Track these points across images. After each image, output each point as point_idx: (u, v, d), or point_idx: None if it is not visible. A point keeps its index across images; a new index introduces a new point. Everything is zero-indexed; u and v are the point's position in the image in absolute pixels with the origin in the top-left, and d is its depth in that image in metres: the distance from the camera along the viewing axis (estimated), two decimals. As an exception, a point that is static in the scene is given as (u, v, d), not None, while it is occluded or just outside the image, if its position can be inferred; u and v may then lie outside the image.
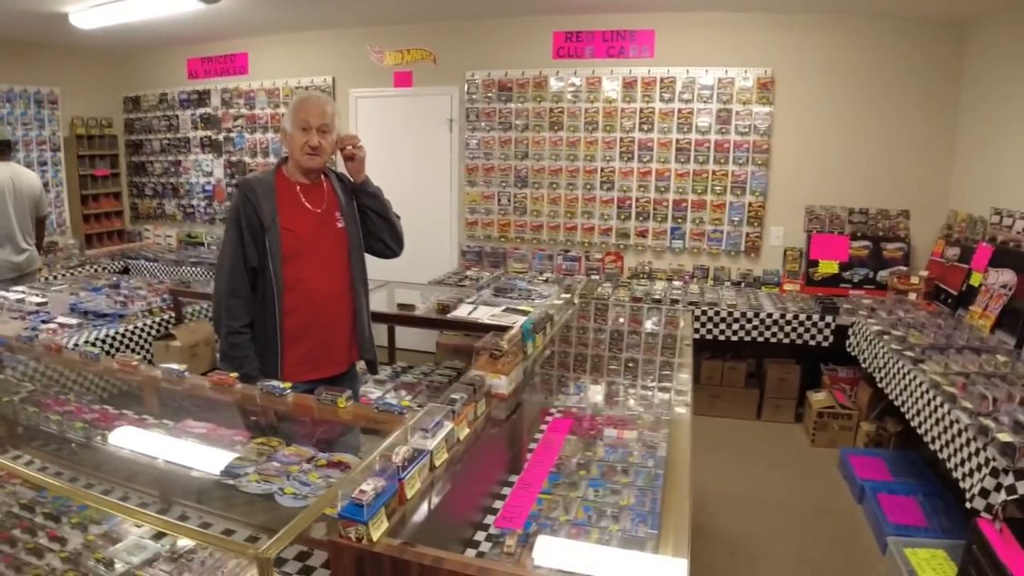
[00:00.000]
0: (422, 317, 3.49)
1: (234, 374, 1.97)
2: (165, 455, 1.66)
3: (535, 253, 5.35)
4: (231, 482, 1.52)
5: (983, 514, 2.08)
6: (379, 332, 3.67)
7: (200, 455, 1.66)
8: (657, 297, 4.36)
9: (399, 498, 1.22)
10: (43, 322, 3.26)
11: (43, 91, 5.97)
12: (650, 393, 2.46)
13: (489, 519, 1.64)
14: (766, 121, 4.70)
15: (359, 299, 2.39)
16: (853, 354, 3.91)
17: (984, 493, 2.07)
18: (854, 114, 4.62)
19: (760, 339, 4.16)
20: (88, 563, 1.54)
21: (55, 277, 4.73)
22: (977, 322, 3.54)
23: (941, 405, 2.54)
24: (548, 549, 1.35)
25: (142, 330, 3.52)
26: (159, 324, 3.64)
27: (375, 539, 1.12)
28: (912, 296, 4.29)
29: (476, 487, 1.73)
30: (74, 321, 3.35)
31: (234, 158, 6.22)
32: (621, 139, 4.98)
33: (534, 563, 1.28)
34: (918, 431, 2.79)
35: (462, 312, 3.44)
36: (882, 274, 4.55)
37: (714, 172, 4.84)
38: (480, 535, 1.58)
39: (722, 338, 4.22)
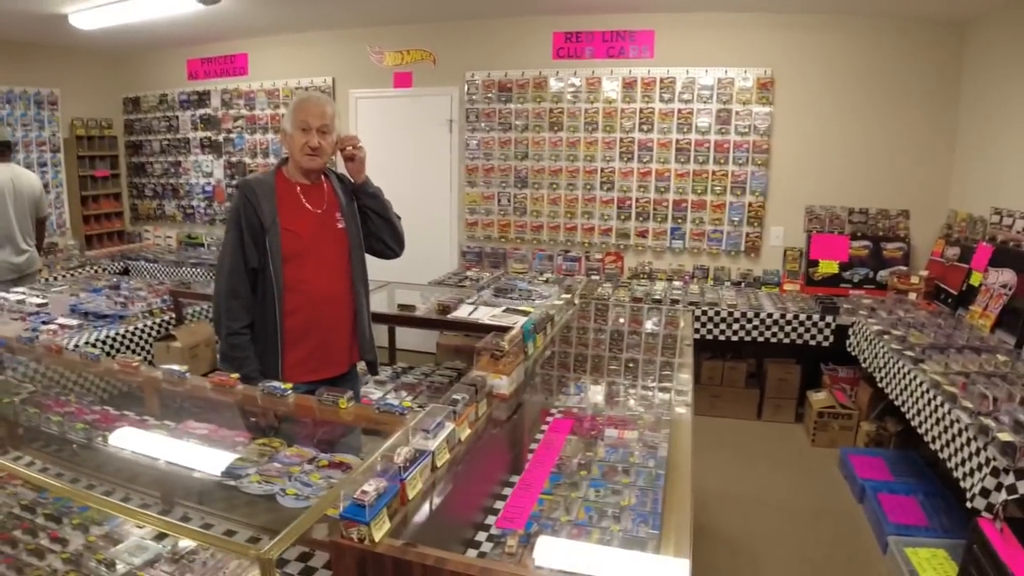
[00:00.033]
0: (423, 318, 3.49)
1: (235, 375, 1.98)
2: (166, 456, 1.66)
3: (535, 253, 5.35)
4: (232, 483, 1.52)
5: (984, 514, 2.08)
6: (379, 333, 3.68)
7: (201, 456, 1.66)
8: (657, 297, 4.36)
9: (401, 499, 1.22)
10: (43, 323, 3.26)
11: (43, 92, 5.98)
12: (650, 393, 2.46)
13: (490, 519, 1.64)
14: (766, 121, 4.71)
15: (360, 300, 2.39)
16: (853, 354, 3.91)
17: (985, 493, 2.08)
18: (854, 114, 4.62)
19: (760, 339, 4.16)
20: (89, 564, 1.55)
21: (55, 278, 4.73)
22: (977, 322, 3.54)
23: (941, 405, 2.54)
24: (549, 549, 1.35)
25: (142, 331, 3.52)
26: (159, 325, 3.64)
27: (377, 540, 1.12)
28: (912, 296, 4.29)
29: (477, 487, 1.73)
30: (74, 322, 3.35)
31: (234, 159, 6.22)
32: (621, 139, 4.99)
33: (535, 563, 1.28)
34: (918, 431, 2.79)
35: (462, 313, 3.44)
36: (882, 274, 4.56)
37: (714, 172, 4.84)
38: (481, 535, 1.58)
39: (722, 338, 4.22)
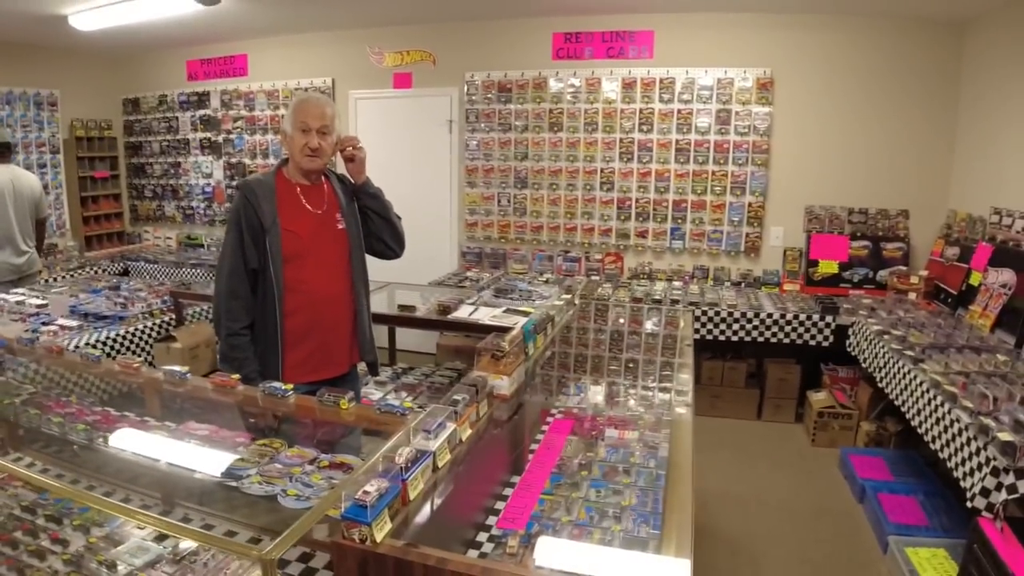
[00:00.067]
0: (423, 318, 3.49)
1: (236, 376, 1.98)
2: (167, 457, 1.66)
3: (535, 254, 5.35)
4: (233, 484, 1.52)
5: (984, 513, 2.08)
6: (380, 333, 3.68)
7: (202, 457, 1.66)
8: (657, 297, 4.37)
9: (402, 499, 1.22)
10: (43, 324, 3.26)
11: (43, 93, 5.98)
12: (651, 393, 2.46)
13: (491, 520, 1.64)
14: (765, 121, 4.71)
15: (360, 300, 2.39)
16: (853, 354, 3.92)
17: (985, 492, 2.08)
18: (853, 114, 4.62)
19: (760, 339, 4.16)
20: (90, 565, 1.55)
21: (55, 279, 4.73)
22: (977, 321, 3.55)
23: (941, 404, 2.54)
24: (550, 550, 1.35)
25: (143, 332, 3.52)
26: (159, 326, 3.64)
27: (379, 540, 1.12)
28: (912, 296, 4.30)
29: (478, 488, 1.73)
30: (74, 323, 3.35)
31: (234, 160, 6.22)
32: (621, 140, 4.99)
33: (536, 564, 1.28)
34: (918, 430, 2.79)
35: (463, 313, 3.44)
36: (882, 274, 4.56)
37: (714, 172, 4.85)
38: (482, 536, 1.58)
39: (722, 338, 4.23)
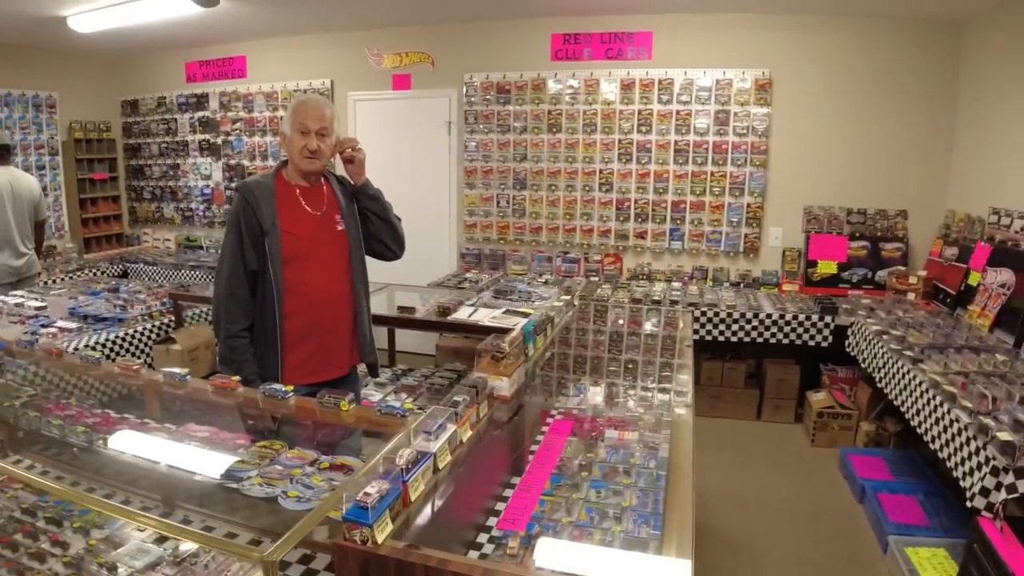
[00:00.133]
0: (423, 319, 3.49)
1: (236, 378, 1.98)
2: (167, 459, 1.66)
3: (534, 255, 5.35)
4: (234, 486, 1.52)
5: (984, 513, 2.09)
6: (379, 334, 3.67)
7: (202, 459, 1.66)
8: (656, 298, 4.36)
9: (403, 500, 1.22)
10: (43, 326, 3.25)
11: (41, 95, 5.98)
12: (650, 394, 2.46)
13: (491, 521, 1.64)
14: (764, 122, 4.72)
15: (360, 302, 2.39)
16: (852, 354, 3.92)
17: (984, 492, 2.08)
18: (852, 114, 4.63)
19: (759, 340, 4.17)
20: (91, 567, 1.54)
21: (54, 281, 4.73)
22: (976, 321, 3.55)
23: (941, 404, 2.55)
24: (551, 551, 1.35)
25: (142, 334, 3.52)
26: (159, 328, 3.63)
27: (380, 542, 1.12)
28: (911, 296, 4.30)
29: (478, 489, 1.73)
30: (74, 325, 3.35)
31: (232, 161, 6.22)
32: (619, 141, 4.99)
33: (536, 565, 1.28)
34: (918, 430, 2.79)
35: (462, 314, 3.44)
36: (880, 274, 4.56)
37: (712, 173, 4.85)
38: (483, 537, 1.58)
39: (721, 339, 4.23)
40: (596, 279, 5.08)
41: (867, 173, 4.67)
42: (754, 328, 4.16)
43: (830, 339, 4.08)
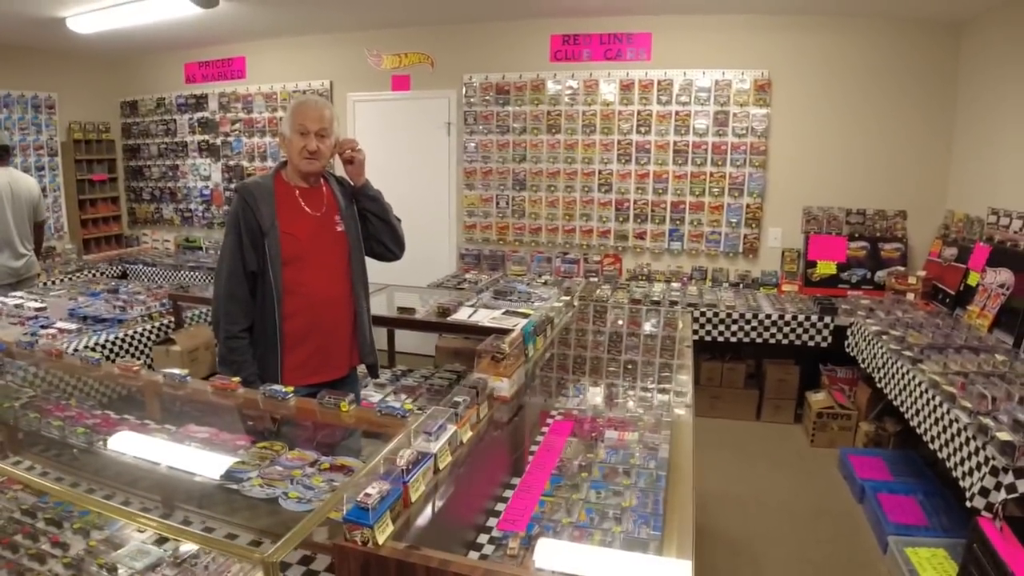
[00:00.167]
0: (422, 320, 3.50)
1: (235, 379, 1.98)
2: (167, 460, 1.66)
3: (533, 256, 5.35)
4: (234, 487, 1.52)
5: (983, 513, 2.09)
6: (379, 335, 3.67)
7: (202, 460, 1.66)
8: (656, 299, 4.37)
9: (404, 501, 1.22)
10: (42, 327, 3.25)
11: (40, 96, 5.97)
12: (650, 395, 2.46)
13: (491, 522, 1.65)
14: (763, 123, 4.72)
15: (360, 303, 2.39)
16: (852, 354, 3.92)
17: (984, 492, 2.08)
18: (851, 115, 4.63)
19: (759, 340, 4.17)
20: (91, 569, 1.54)
21: (53, 282, 4.72)
22: (975, 321, 3.56)
23: (940, 404, 2.55)
24: (551, 551, 1.35)
25: (141, 335, 3.52)
26: (158, 329, 3.63)
27: (380, 542, 1.12)
28: (910, 296, 4.30)
29: (478, 490, 1.73)
30: (73, 326, 3.34)
31: (232, 162, 6.22)
32: (619, 141, 5.00)
33: (536, 566, 1.28)
34: (917, 431, 2.80)
35: (462, 315, 3.44)
36: (880, 274, 4.57)
37: (711, 174, 4.86)
38: (483, 538, 1.58)
39: (721, 339, 4.23)
40: (595, 280, 5.08)
41: (866, 173, 4.67)
42: (753, 328, 4.16)
43: (829, 339, 4.08)
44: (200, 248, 6.41)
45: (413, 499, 1.24)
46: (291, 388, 1.88)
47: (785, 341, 4.14)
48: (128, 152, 6.71)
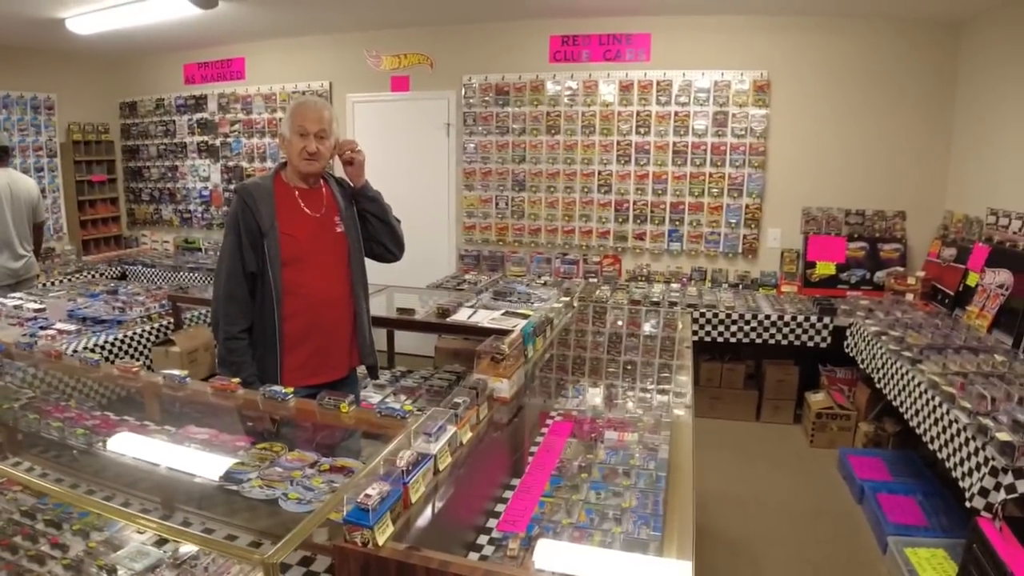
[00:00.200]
0: (422, 321, 3.49)
1: (235, 380, 1.97)
2: (167, 461, 1.66)
3: (533, 256, 5.35)
4: (234, 488, 1.52)
5: (983, 513, 2.09)
6: (378, 336, 3.67)
7: (202, 461, 1.65)
8: (655, 299, 4.36)
9: (404, 502, 1.22)
10: (41, 328, 3.25)
11: (39, 97, 5.97)
12: (649, 395, 2.47)
13: (491, 522, 1.65)
14: (762, 123, 4.72)
15: (359, 304, 2.39)
16: (851, 355, 3.92)
17: (984, 492, 2.08)
18: (850, 115, 4.64)
19: (758, 340, 4.17)
20: (90, 570, 1.54)
21: (53, 283, 4.72)
22: (974, 322, 3.56)
23: (940, 405, 2.55)
24: (551, 552, 1.35)
25: (141, 336, 3.52)
26: (158, 330, 3.63)
27: (380, 543, 1.12)
28: (909, 297, 4.31)
29: (478, 491, 1.73)
30: (72, 327, 3.34)
31: (231, 163, 6.22)
32: (618, 142, 5.00)
33: (537, 566, 1.28)
34: (917, 431, 2.80)
35: (462, 316, 3.44)
36: (879, 275, 4.57)
37: (711, 174, 4.86)
38: (483, 538, 1.58)
39: (720, 340, 4.23)
40: (595, 280, 5.08)
41: (865, 174, 4.68)
42: (753, 329, 4.16)
43: (829, 340, 4.08)
44: (199, 249, 6.41)
45: (413, 500, 1.24)
46: (291, 389, 1.88)
47: (784, 342, 4.14)
48: (127, 153, 6.71)
